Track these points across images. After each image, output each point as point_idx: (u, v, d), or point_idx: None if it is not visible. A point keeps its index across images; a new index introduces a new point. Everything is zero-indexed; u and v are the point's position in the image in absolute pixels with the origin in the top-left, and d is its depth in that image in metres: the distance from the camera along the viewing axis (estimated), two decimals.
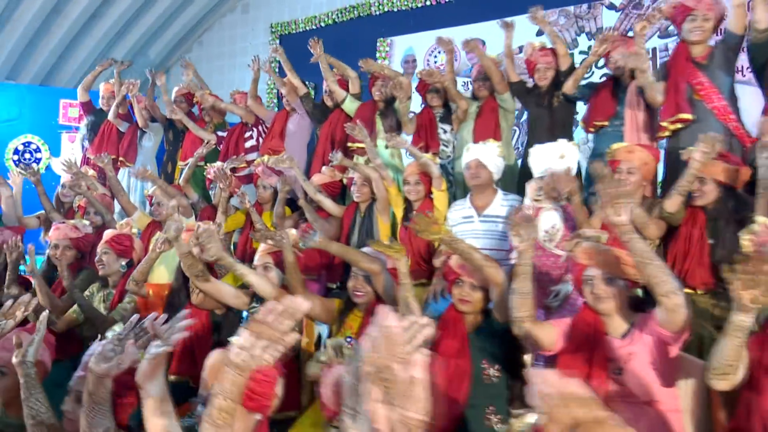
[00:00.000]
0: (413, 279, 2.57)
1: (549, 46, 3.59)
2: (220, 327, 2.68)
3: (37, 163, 5.63)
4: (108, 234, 3.16)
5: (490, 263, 2.15)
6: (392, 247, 2.32)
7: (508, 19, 3.69)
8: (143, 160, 4.90)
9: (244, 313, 2.66)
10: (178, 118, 4.64)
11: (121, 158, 4.93)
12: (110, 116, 4.98)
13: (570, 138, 3.51)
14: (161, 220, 3.75)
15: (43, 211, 4.13)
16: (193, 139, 4.64)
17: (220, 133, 4.72)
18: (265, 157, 4.04)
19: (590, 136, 3.71)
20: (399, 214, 3.35)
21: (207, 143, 4.15)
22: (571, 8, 5.96)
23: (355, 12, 6.58)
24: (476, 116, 3.74)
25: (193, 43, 7.87)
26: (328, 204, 3.58)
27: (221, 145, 4.67)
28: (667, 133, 2.99)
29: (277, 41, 7.02)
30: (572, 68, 3.51)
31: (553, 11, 6.38)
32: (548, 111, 3.52)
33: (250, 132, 4.61)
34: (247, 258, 3.61)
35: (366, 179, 3.39)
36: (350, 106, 4.03)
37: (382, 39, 6.47)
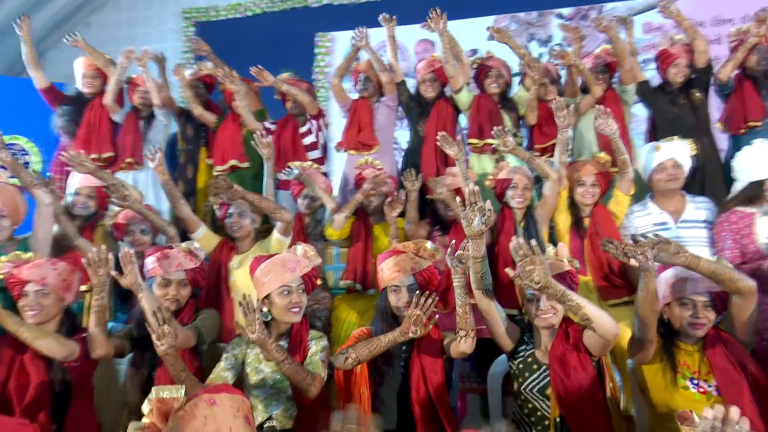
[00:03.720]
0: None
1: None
2: None
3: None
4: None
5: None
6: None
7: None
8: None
9: None
10: (238, 105, 3.59)
11: (129, 158, 3.83)
12: (107, 100, 3.86)
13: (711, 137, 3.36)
14: (239, 236, 2.93)
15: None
16: (232, 135, 3.73)
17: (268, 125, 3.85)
18: (369, 158, 3.32)
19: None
20: (565, 221, 2.92)
21: (264, 140, 3.22)
22: (522, 15, 6.11)
23: (289, 2, 6.07)
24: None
25: (78, 25, 6.42)
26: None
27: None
28: None
29: (192, 29, 6.22)
30: (709, 66, 3.34)
31: (504, 17, 6.56)
32: (687, 109, 3.31)
33: (309, 125, 3.82)
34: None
35: (529, 182, 2.91)
36: (466, 97, 3.48)
37: (322, 34, 6.07)
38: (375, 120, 3.67)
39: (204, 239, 2.94)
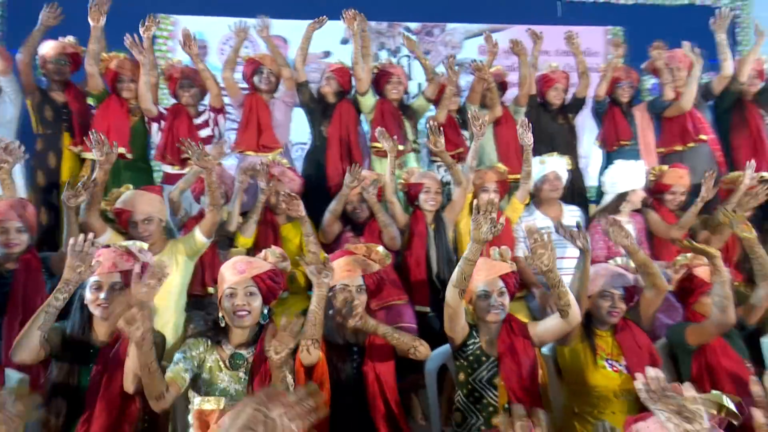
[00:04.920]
0: None
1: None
2: None
3: None
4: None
5: None
6: None
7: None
8: None
9: None
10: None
11: None
12: None
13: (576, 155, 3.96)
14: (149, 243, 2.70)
15: None
16: (117, 121, 3.38)
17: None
18: (276, 156, 3.26)
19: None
20: (467, 224, 3.20)
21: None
22: (373, 24, 6.40)
23: None
24: (494, 125, 3.80)
25: None
26: (400, 210, 3.16)
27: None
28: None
29: None
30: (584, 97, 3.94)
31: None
32: (564, 128, 3.86)
33: (206, 116, 3.61)
34: None
35: (439, 186, 3.14)
36: (371, 100, 3.59)
37: (164, 16, 5.71)
38: (272, 117, 3.61)
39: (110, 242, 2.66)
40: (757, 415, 1.62)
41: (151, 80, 3.47)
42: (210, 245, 2.80)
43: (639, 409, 2.10)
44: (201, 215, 3.01)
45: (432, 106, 3.81)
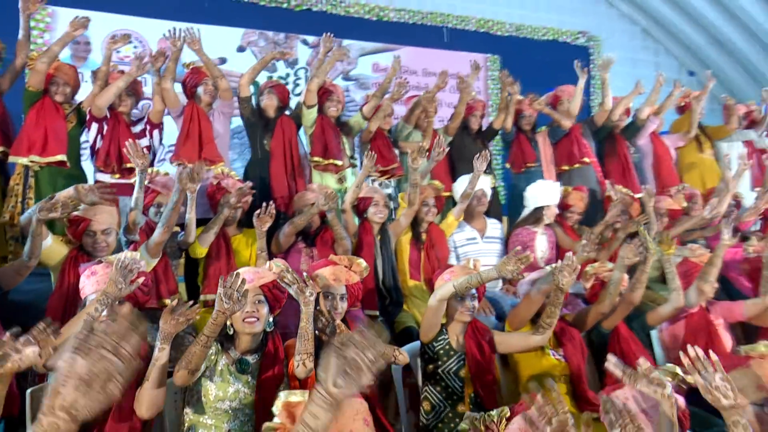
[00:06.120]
0: None
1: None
2: None
3: None
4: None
5: None
6: None
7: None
8: None
9: None
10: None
11: None
12: None
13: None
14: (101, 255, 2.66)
15: None
16: (55, 125, 3.19)
17: None
18: (225, 168, 3.30)
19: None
20: (406, 235, 3.52)
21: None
22: (271, 34, 6.70)
23: None
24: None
25: None
26: (352, 220, 3.36)
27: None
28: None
29: None
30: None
31: (254, 32, 7.25)
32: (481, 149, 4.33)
33: (141, 126, 3.52)
34: None
35: (386, 200, 3.42)
36: (313, 115, 3.75)
37: (42, 6, 5.72)
38: (213, 129, 3.63)
39: (51, 250, 2.59)
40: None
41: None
42: (162, 257, 2.80)
43: (572, 389, 2.59)
44: (148, 226, 2.98)
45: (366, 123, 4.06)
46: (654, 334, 3.04)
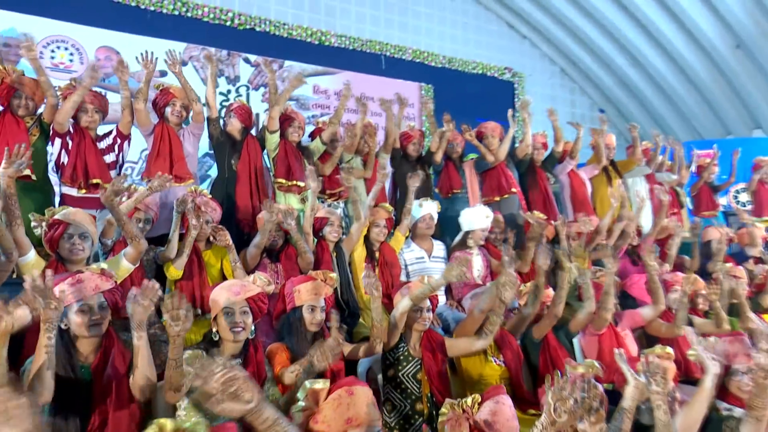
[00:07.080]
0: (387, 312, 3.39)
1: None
2: None
3: None
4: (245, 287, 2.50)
5: None
6: None
7: None
8: None
9: None
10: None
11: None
12: None
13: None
14: (76, 260, 2.78)
15: None
16: (19, 140, 3.24)
17: None
18: (195, 186, 3.48)
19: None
20: (360, 253, 3.85)
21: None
22: (213, 50, 6.77)
23: None
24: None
25: None
26: (311, 241, 3.61)
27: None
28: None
29: None
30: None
31: (196, 47, 7.47)
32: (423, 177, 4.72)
33: (108, 141, 3.63)
34: None
35: (340, 220, 3.73)
36: (277, 138, 4.01)
37: None
38: (183, 148, 3.80)
39: (33, 264, 2.69)
40: None
41: (50, 101, 3.43)
42: (139, 267, 2.96)
43: (512, 391, 2.98)
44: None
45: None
46: (576, 342, 3.54)
